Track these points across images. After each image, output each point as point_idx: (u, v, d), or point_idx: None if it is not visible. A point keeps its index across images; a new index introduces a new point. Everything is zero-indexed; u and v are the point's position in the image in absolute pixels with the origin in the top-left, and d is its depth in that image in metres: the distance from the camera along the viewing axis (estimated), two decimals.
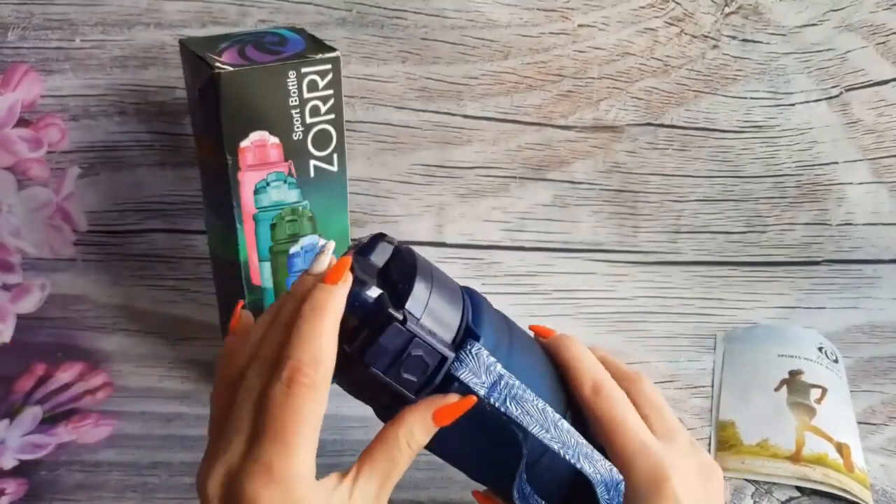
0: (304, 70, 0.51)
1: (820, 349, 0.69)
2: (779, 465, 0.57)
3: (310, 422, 0.33)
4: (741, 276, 0.76)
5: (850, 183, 0.75)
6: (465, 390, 0.36)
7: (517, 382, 0.37)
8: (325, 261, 0.36)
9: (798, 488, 0.56)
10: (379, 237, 0.38)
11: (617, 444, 0.38)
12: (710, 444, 0.60)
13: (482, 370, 0.36)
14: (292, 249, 0.56)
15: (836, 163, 0.75)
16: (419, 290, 0.36)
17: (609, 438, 0.39)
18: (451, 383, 0.37)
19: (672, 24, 0.69)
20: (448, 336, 0.36)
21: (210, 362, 0.68)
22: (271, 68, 0.50)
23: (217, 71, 0.48)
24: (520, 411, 0.37)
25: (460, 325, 0.37)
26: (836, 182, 0.75)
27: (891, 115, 0.73)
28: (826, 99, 0.72)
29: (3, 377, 0.65)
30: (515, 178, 0.73)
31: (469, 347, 0.36)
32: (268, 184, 0.53)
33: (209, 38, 0.53)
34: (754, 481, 0.57)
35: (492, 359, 0.37)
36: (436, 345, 0.35)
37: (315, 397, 0.32)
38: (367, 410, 0.40)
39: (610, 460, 0.39)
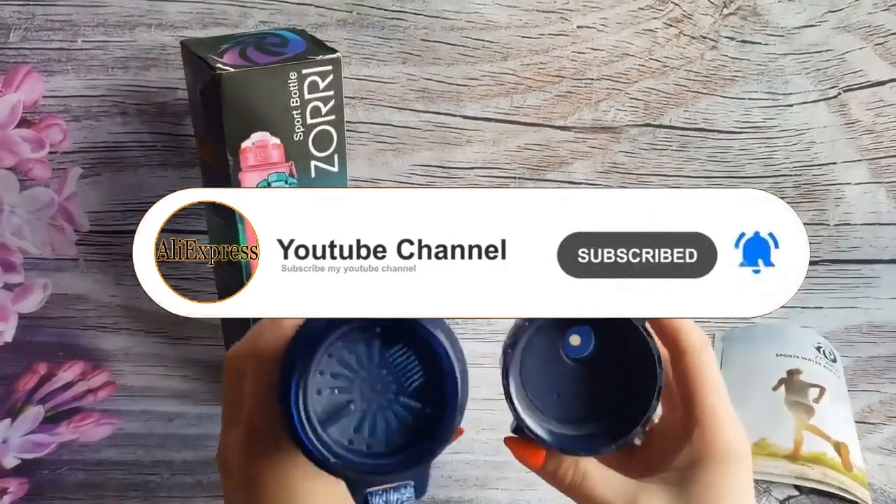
0: (304, 71, 0.51)
1: (818, 349, 0.69)
2: (777, 464, 0.57)
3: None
4: None
5: (848, 183, 0.75)
6: None
7: None
8: None
9: (796, 487, 0.57)
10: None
11: (709, 404, 0.38)
12: None
13: None
14: None
15: (835, 163, 0.75)
16: None
17: (701, 394, 0.38)
18: None
19: (671, 26, 0.69)
20: None
21: (210, 361, 0.69)
22: (272, 69, 0.50)
23: (218, 72, 0.48)
24: None
25: None
26: (834, 182, 0.75)
27: (889, 116, 0.73)
28: (824, 100, 0.73)
29: (5, 376, 0.66)
30: (515, 178, 0.73)
31: None
32: (269, 184, 0.53)
33: (210, 39, 0.54)
34: (753, 480, 0.57)
35: None
36: None
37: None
38: None
39: (686, 413, 0.38)
